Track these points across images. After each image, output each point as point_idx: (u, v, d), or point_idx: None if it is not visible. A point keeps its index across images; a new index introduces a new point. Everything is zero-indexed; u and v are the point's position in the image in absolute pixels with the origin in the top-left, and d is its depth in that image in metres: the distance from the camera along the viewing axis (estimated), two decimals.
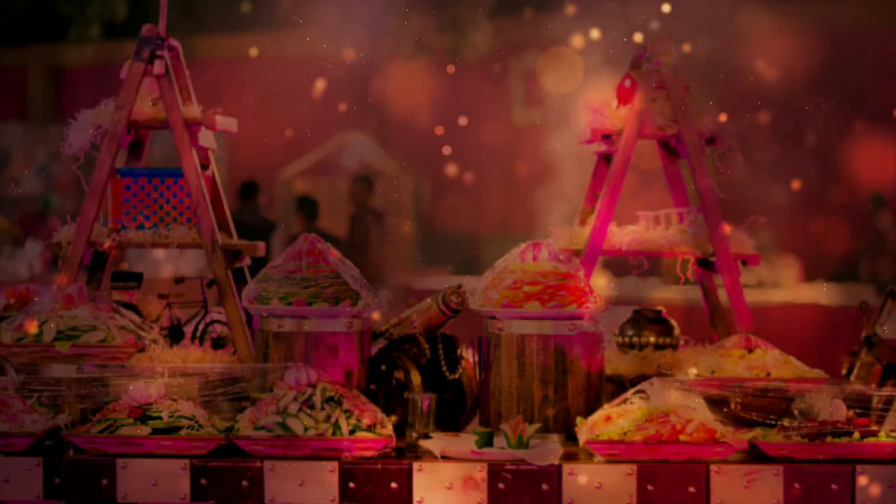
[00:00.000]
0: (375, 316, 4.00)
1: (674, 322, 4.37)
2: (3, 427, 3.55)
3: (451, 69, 12.91)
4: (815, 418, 3.60)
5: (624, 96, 4.35)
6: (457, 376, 4.03)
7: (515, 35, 13.04)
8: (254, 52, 13.43)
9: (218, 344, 4.27)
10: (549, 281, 3.85)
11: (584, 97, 4.47)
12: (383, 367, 3.99)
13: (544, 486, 3.46)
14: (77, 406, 3.76)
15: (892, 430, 3.58)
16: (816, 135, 11.64)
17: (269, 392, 3.67)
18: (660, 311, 4.37)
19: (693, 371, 3.95)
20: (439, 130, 13.03)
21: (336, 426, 3.53)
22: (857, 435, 3.53)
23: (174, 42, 4.20)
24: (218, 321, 4.28)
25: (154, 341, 3.96)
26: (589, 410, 3.78)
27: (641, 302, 4.60)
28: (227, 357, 4.11)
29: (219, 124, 4.21)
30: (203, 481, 3.50)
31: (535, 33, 12.59)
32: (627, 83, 4.34)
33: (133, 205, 4.19)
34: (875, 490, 3.44)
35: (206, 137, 4.25)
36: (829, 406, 3.60)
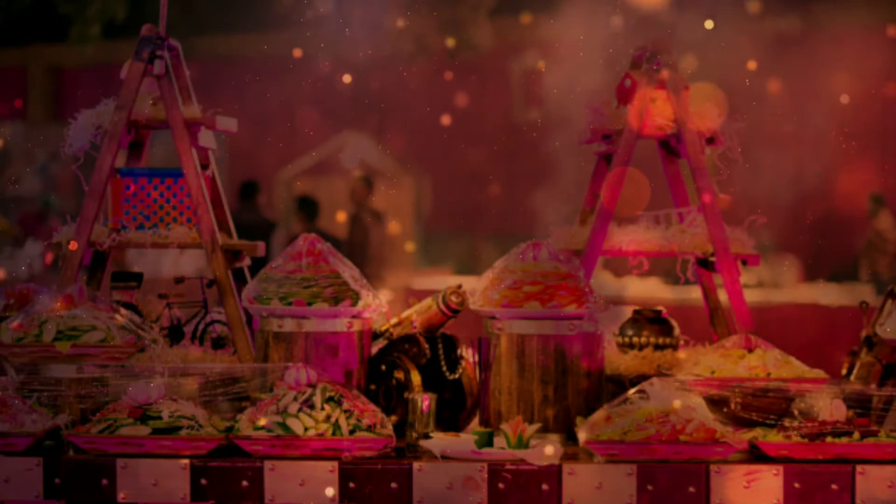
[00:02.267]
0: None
1: (674, 322, 4.36)
2: (3, 427, 3.54)
3: (450, 69, 12.91)
4: (815, 418, 3.60)
5: (624, 96, 4.35)
6: (457, 376, 4.03)
7: (515, 35, 13.04)
8: (254, 52, 13.43)
9: (218, 344, 4.27)
10: (549, 281, 3.85)
11: (584, 97, 4.47)
12: (383, 367, 3.99)
13: (544, 486, 3.45)
14: (77, 406, 3.76)
15: (892, 430, 3.58)
16: (817, 134, 11.64)
17: (269, 392, 3.67)
18: (660, 311, 4.36)
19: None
20: (439, 130, 13.03)
21: (336, 426, 3.53)
22: (857, 435, 3.53)
23: (174, 42, 4.20)
24: (218, 321, 4.28)
25: (154, 341, 3.96)
26: (589, 410, 3.78)
27: (641, 302, 4.59)
28: (227, 357, 4.11)
29: (219, 124, 4.21)
30: (203, 481, 3.50)
31: (535, 33, 12.59)
32: (627, 83, 4.33)
33: (133, 205, 4.19)
34: (875, 490, 3.44)
35: (206, 137, 4.24)
36: (829, 406, 3.60)
